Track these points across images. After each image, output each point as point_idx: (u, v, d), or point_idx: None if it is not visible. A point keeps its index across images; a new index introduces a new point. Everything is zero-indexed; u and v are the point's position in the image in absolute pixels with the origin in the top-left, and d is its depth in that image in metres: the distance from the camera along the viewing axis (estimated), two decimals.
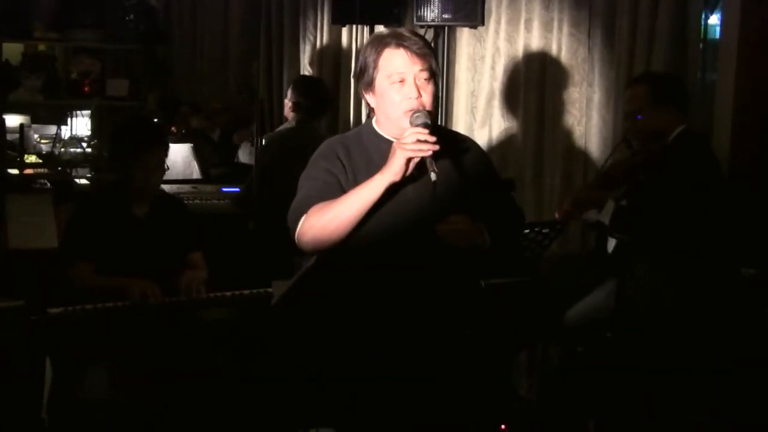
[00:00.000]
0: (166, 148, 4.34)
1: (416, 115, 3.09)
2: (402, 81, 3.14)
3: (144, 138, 4.23)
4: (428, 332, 3.17)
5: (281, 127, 6.23)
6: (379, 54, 3.17)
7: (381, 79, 3.17)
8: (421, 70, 3.14)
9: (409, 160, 3.02)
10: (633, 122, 4.50)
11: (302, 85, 6.06)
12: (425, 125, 3.05)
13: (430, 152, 3.00)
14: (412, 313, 3.15)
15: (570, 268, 5.24)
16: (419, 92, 3.13)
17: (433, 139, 3.01)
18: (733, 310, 4.29)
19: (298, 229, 3.16)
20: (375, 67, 3.17)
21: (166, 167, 4.29)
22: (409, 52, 3.13)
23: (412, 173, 3.08)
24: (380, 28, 6.26)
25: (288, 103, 6.02)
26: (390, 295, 3.15)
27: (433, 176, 2.97)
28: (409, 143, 3.00)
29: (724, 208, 4.37)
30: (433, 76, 3.18)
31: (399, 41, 3.16)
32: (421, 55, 3.14)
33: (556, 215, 4.58)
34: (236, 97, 7.58)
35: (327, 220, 3.10)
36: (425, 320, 3.16)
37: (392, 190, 3.08)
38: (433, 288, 3.17)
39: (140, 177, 4.16)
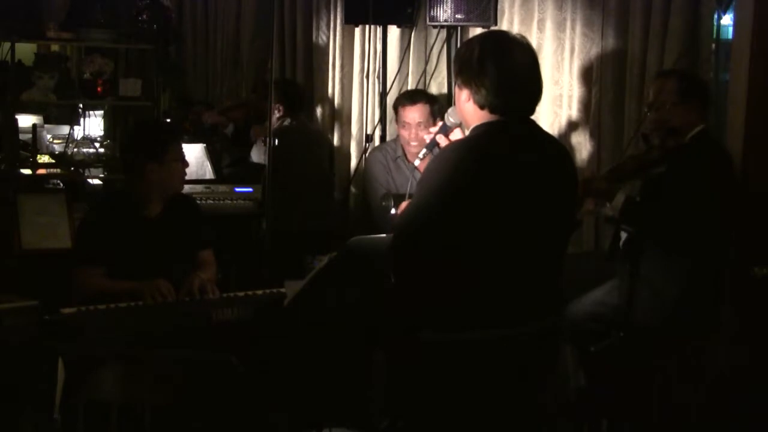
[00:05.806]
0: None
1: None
2: None
3: (165, 139, 4.24)
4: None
5: (280, 124, 6.27)
6: None
7: None
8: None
9: None
10: (654, 114, 4.49)
11: (284, 84, 6.48)
12: None
13: None
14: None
15: (584, 268, 5.23)
16: None
17: None
18: (743, 310, 4.30)
19: None
20: None
21: (186, 166, 4.33)
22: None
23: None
24: (393, 28, 6.27)
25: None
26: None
27: None
28: None
29: (735, 208, 4.37)
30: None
31: None
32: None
33: None
34: (250, 96, 7.57)
35: None
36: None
37: None
38: None
39: (164, 179, 4.17)
